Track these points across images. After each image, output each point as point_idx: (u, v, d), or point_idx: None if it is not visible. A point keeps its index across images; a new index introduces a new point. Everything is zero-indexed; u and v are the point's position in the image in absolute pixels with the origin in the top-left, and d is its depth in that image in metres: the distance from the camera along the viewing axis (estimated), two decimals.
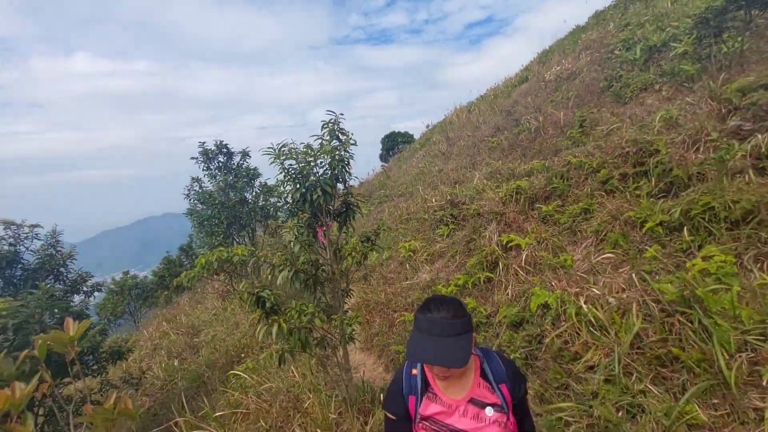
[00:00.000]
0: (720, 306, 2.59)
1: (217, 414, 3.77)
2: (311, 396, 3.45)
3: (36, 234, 5.12)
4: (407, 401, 1.48)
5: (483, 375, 1.46)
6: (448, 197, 6.37)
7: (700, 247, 3.27)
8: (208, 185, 8.51)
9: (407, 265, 5.78)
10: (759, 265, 2.89)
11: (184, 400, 4.39)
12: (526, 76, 14.24)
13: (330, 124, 2.82)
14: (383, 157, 27.00)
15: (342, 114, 2.83)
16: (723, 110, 4.48)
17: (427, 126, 21.01)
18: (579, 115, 6.62)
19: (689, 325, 2.63)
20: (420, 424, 1.45)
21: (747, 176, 3.52)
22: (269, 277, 3.05)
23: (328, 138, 2.85)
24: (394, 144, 25.49)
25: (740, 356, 2.33)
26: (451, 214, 6.13)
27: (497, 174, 6.37)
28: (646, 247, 3.59)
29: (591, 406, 2.55)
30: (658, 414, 2.30)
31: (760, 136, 3.75)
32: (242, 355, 5.70)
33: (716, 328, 2.48)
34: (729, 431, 2.11)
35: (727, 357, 2.36)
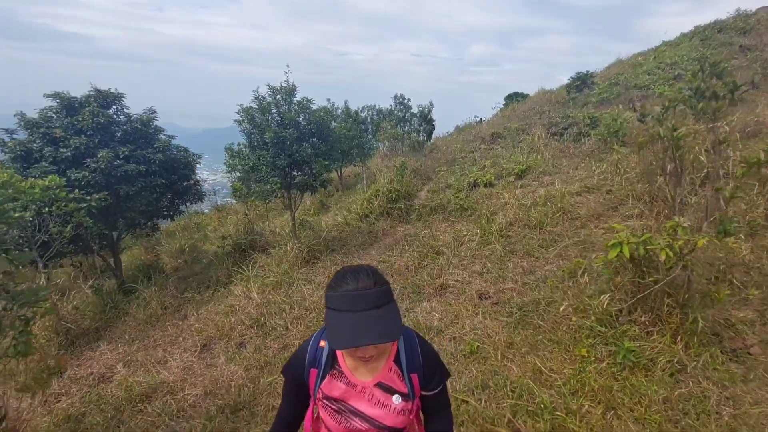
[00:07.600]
0: None
1: None
2: None
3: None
4: (308, 373, 1.38)
5: (396, 360, 1.36)
6: (487, 131, 15.44)
7: None
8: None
9: (456, 153, 15.22)
10: None
11: None
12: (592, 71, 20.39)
13: (428, 106, 12.72)
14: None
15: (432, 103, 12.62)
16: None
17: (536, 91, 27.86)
18: (550, 106, 14.69)
19: None
20: (321, 402, 1.37)
21: None
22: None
23: (428, 105, 12.74)
24: (510, 101, 32.44)
25: None
26: (484, 137, 15.18)
27: (505, 125, 15.06)
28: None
29: None
30: None
31: None
32: None
33: None
34: None
35: None
